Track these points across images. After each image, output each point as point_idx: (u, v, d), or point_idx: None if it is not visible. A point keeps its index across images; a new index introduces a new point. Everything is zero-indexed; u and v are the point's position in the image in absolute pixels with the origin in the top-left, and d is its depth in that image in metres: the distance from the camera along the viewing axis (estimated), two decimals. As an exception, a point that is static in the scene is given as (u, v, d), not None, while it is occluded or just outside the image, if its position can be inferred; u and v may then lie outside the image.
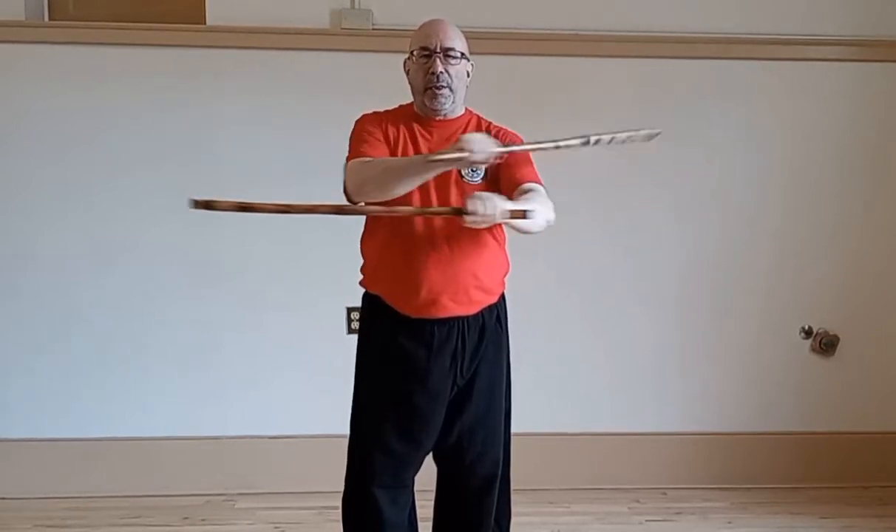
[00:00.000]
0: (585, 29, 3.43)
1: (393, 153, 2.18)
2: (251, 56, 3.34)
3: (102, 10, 3.47)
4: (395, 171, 2.05)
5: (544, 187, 2.17)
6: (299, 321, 3.44)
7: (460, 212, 1.94)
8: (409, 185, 2.04)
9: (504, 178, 2.18)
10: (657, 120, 3.46)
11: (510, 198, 2.08)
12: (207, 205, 2.01)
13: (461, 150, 1.91)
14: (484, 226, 1.96)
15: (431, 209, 2.10)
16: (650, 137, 2.22)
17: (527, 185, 2.13)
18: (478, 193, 1.95)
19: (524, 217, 1.94)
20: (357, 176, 2.10)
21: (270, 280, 3.43)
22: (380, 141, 2.17)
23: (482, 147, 1.93)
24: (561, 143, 2.07)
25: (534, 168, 2.22)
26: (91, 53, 3.34)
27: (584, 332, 3.56)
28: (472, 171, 2.17)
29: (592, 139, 2.11)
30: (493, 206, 1.91)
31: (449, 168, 2.04)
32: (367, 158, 2.12)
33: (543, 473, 3.47)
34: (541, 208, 2.02)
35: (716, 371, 3.61)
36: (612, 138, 2.15)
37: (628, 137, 2.18)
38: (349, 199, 2.16)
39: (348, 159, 2.18)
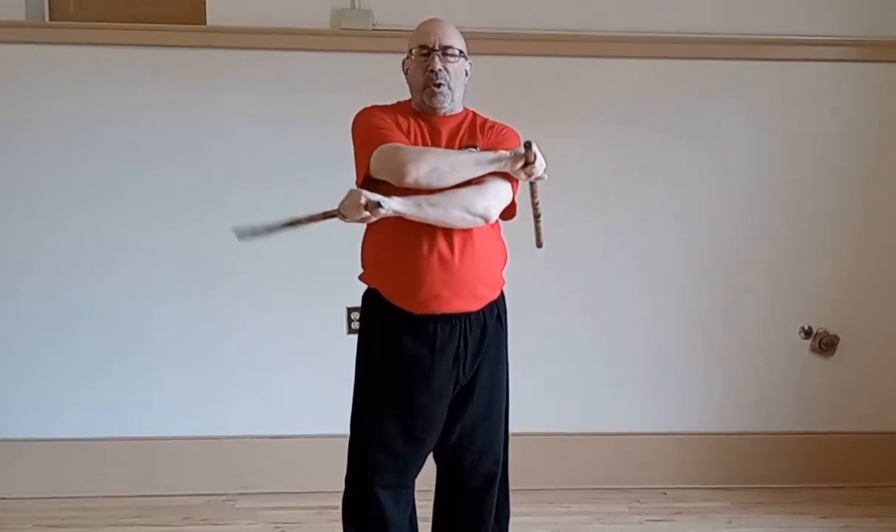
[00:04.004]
0: (585, 29, 3.43)
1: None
2: (251, 56, 3.34)
3: (102, 10, 3.47)
4: (465, 165, 2.09)
5: (513, 184, 2.19)
6: (299, 321, 3.44)
7: (338, 213, 2.05)
8: (469, 176, 2.10)
9: None
10: (657, 120, 3.50)
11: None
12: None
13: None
14: (363, 221, 2.04)
15: (316, 214, 2.10)
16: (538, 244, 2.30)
17: (486, 178, 2.14)
18: (350, 190, 2.04)
19: (378, 206, 1.99)
20: (418, 162, 2.06)
21: (270, 280, 3.43)
22: (394, 129, 2.17)
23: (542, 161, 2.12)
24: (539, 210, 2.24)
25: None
26: (91, 53, 3.34)
27: (585, 332, 3.56)
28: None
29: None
30: (354, 202, 2.00)
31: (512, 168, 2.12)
32: (416, 147, 2.13)
33: (543, 473, 3.48)
34: (420, 201, 2.05)
35: (716, 371, 3.61)
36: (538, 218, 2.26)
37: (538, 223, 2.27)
38: (371, 184, 2.13)
39: (367, 147, 2.14)
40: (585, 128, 3.45)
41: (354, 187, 2.07)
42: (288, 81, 3.37)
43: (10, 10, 3.32)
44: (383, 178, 2.11)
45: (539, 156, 2.09)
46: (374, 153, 2.11)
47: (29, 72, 3.33)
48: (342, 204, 2.04)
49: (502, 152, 2.11)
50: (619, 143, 3.50)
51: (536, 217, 2.24)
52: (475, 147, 2.19)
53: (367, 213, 2.00)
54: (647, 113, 3.50)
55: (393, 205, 2.02)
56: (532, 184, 2.18)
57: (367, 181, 2.14)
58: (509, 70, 3.36)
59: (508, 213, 2.24)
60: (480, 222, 2.13)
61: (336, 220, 2.07)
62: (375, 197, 2.00)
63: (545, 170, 2.13)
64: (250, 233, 2.11)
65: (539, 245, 2.28)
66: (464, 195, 2.10)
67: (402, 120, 2.21)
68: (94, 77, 3.34)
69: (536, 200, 2.22)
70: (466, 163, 2.10)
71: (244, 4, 3.35)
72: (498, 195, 2.15)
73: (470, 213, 2.10)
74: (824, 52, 3.50)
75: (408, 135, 2.19)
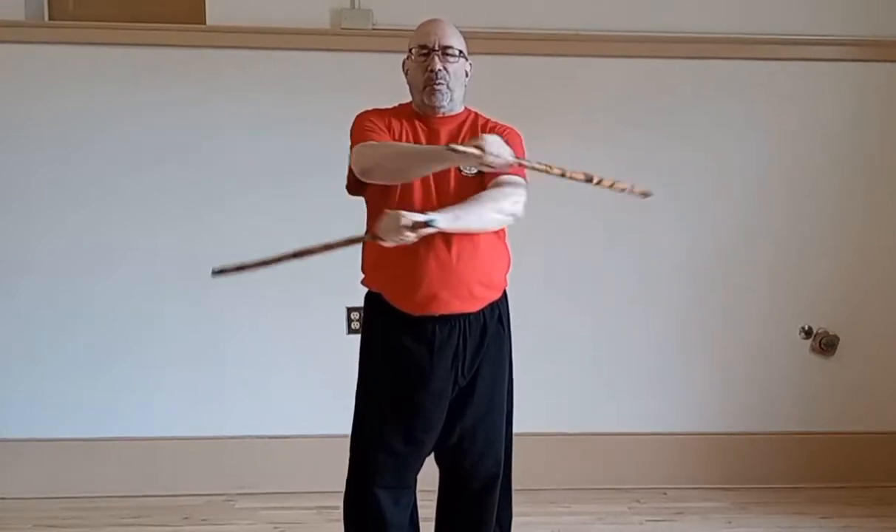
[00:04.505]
0: (585, 29, 3.43)
1: None
2: (251, 56, 3.35)
3: (102, 10, 3.47)
4: (412, 156, 2.10)
5: (524, 178, 2.18)
6: (299, 321, 3.44)
7: (373, 237, 1.98)
8: (422, 171, 2.09)
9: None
10: (657, 119, 3.50)
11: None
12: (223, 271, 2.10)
13: (478, 147, 1.94)
14: (398, 243, 1.97)
15: (337, 241, 2.07)
16: (644, 196, 2.24)
17: (499, 178, 2.15)
18: (387, 212, 1.98)
19: (426, 227, 1.95)
20: (368, 156, 2.12)
21: (270, 280, 3.40)
22: (383, 131, 2.19)
23: (498, 151, 1.97)
24: (567, 174, 2.09)
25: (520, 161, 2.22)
26: (91, 53, 3.34)
27: (585, 332, 3.56)
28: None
29: (595, 179, 2.14)
30: (395, 224, 1.93)
31: (464, 162, 2.05)
32: (377, 142, 2.13)
33: (543, 473, 3.47)
34: (457, 212, 2.03)
35: (716, 371, 3.61)
36: (613, 184, 2.17)
37: (626, 189, 2.20)
38: (353, 184, 2.20)
39: (353, 147, 2.19)
40: (585, 127, 3.45)
41: (392, 210, 1.99)
42: (288, 81, 3.37)
43: (10, 9, 3.32)
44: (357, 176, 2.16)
45: (489, 146, 1.96)
46: (353, 152, 2.17)
47: (29, 72, 3.33)
48: (379, 227, 1.97)
49: (451, 150, 2.00)
50: (618, 143, 3.50)
51: (589, 180, 2.13)
52: None
53: (412, 235, 1.95)
54: (646, 112, 3.50)
55: (440, 223, 1.99)
56: (554, 171, 2.10)
57: (352, 180, 2.20)
58: (508, 70, 3.36)
59: None
60: (511, 221, 2.15)
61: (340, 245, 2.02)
62: (423, 217, 1.95)
63: (511, 154, 2.02)
64: (234, 269, 2.06)
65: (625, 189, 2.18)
66: (491, 197, 2.10)
67: (395, 122, 2.22)
68: (94, 77, 3.34)
69: (562, 173, 2.08)
70: (415, 157, 2.09)
71: (244, 4, 3.35)
72: (517, 190, 2.15)
73: (502, 213, 2.11)
74: (824, 52, 3.50)
75: (399, 137, 2.20)
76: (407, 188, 2.16)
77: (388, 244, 1.98)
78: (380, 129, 2.18)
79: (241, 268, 2.06)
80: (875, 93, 3.55)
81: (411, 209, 2.13)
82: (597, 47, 3.43)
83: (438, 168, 2.10)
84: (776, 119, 3.55)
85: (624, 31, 3.44)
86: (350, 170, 2.20)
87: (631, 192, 2.20)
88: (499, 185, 2.13)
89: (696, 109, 3.51)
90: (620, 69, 3.46)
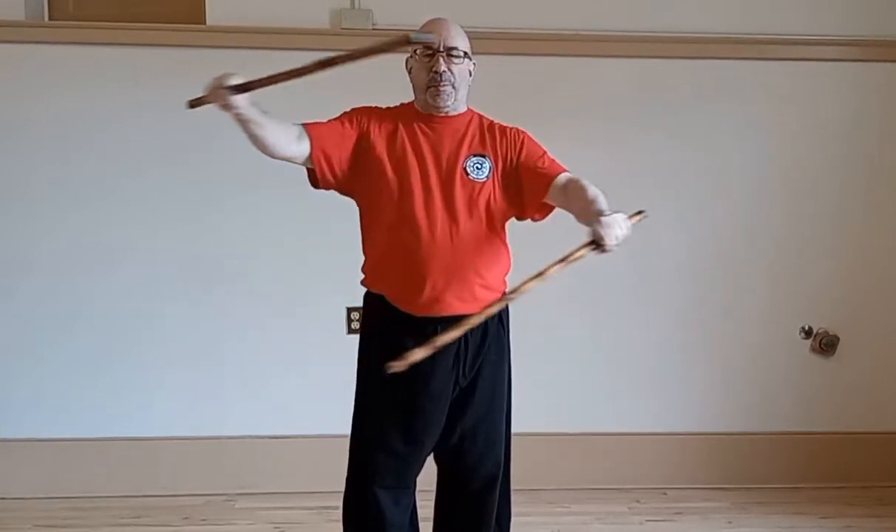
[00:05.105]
0: (585, 29, 3.43)
1: (389, 148, 2.19)
2: (251, 56, 3.34)
3: (102, 10, 3.47)
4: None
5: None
6: (299, 321, 3.44)
7: (597, 244, 1.92)
8: (254, 131, 2.22)
9: (528, 174, 2.21)
10: (657, 119, 3.50)
11: (544, 192, 2.18)
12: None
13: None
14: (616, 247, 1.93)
15: (569, 257, 2.06)
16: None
17: (565, 176, 2.18)
18: (604, 220, 1.93)
19: (637, 216, 2.02)
20: None
21: (271, 280, 3.43)
22: (337, 128, 2.22)
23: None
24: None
25: (550, 155, 2.27)
26: (91, 53, 3.34)
27: (585, 332, 3.56)
28: (478, 168, 2.18)
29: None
30: (620, 226, 1.94)
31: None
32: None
33: (543, 473, 3.48)
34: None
35: (716, 371, 3.61)
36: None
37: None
38: (310, 177, 2.35)
39: None
40: (585, 127, 3.45)
41: (607, 215, 1.95)
42: (288, 81, 3.36)
43: (10, 9, 3.33)
44: None
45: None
46: None
47: (29, 72, 3.33)
48: (601, 237, 1.91)
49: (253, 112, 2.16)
50: (618, 143, 3.50)
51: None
52: (483, 156, 2.20)
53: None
54: (646, 112, 3.50)
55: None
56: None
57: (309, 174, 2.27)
58: (508, 70, 3.35)
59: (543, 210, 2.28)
60: None
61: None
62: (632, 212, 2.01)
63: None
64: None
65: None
66: (583, 183, 2.13)
67: (385, 125, 2.21)
68: (94, 77, 3.34)
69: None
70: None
71: (244, 4, 3.35)
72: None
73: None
74: (824, 52, 3.50)
75: (393, 135, 2.19)
76: (408, 188, 2.15)
77: (610, 251, 1.94)
78: (337, 124, 2.23)
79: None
80: (875, 93, 3.55)
81: (412, 210, 2.14)
82: (597, 47, 3.43)
83: (255, 127, 2.17)
84: (776, 119, 3.55)
85: (624, 31, 3.44)
86: None
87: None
88: (573, 178, 2.16)
89: (696, 109, 3.51)
90: (620, 69, 3.46)
